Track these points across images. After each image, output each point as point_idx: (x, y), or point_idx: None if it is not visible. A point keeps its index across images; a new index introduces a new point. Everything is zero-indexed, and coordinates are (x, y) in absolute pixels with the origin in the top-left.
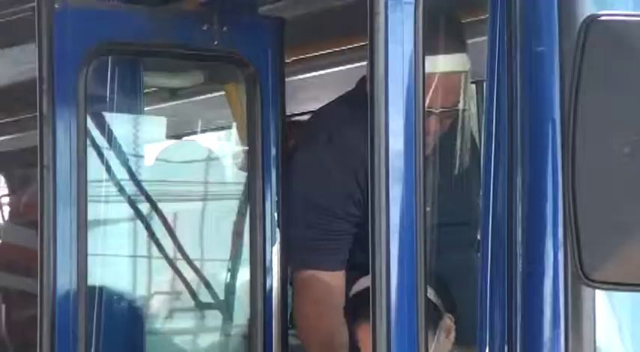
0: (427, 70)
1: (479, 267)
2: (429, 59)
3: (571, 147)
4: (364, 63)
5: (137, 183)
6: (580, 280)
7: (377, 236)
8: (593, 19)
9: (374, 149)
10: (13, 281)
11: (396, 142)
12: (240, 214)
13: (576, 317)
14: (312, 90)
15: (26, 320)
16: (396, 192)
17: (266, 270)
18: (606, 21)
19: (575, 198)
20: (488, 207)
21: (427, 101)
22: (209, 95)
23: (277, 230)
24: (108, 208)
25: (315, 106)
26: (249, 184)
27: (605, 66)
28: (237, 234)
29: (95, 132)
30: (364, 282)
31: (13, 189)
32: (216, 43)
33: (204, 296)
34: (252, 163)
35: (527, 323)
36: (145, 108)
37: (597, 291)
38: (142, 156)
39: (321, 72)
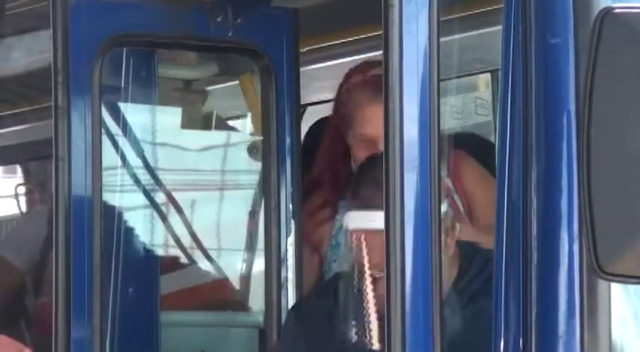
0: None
1: (494, 260)
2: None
3: (586, 140)
4: (379, 52)
5: (152, 174)
6: (595, 273)
7: (391, 225)
8: (608, 11)
9: (388, 139)
10: None
11: (411, 132)
12: (255, 205)
13: (592, 310)
14: (328, 79)
15: None
16: (411, 181)
17: (281, 262)
18: (621, 13)
19: (590, 191)
20: (502, 200)
21: None
22: (224, 86)
23: (292, 221)
24: (123, 199)
25: (329, 95)
26: (264, 175)
27: (620, 58)
28: (252, 225)
29: (110, 124)
30: None
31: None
32: (230, 34)
33: (219, 288)
34: (267, 154)
35: (542, 316)
36: (160, 99)
37: (613, 284)
38: (156, 148)
39: (337, 61)
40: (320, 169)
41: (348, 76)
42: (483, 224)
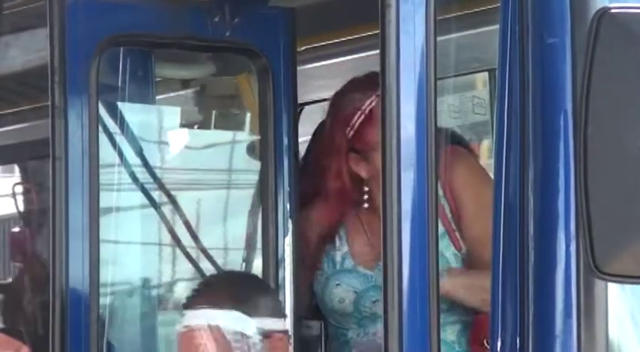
0: None
1: (491, 260)
2: None
3: (583, 139)
4: (375, 51)
5: (149, 174)
6: (592, 273)
7: (388, 223)
8: (605, 11)
9: (386, 138)
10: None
11: (408, 131)
12: (253, 205)
13: (588, 310)
14: (325, 78)
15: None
16: (408, 180)
17: (278, 262)
18: (618, 13)
19: (587, 191)
20: (499, 199)
21: None
22: (221, 86)
23: (289, 221)
24: (120, 199)
25: (327, 94)
26: (262, 174)
27: (617, 57)
28: (250, 225)
29: (107, 123)
30: None
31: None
32: (227, 34)
33: None
34: (265, 153)
35: (539, 315)
36: (157, 99)
37: (610, 284)
38: (153, 147)
39: (334, 60)
40: (320, 181)
41: (357, 98)
42: (472, 237)
